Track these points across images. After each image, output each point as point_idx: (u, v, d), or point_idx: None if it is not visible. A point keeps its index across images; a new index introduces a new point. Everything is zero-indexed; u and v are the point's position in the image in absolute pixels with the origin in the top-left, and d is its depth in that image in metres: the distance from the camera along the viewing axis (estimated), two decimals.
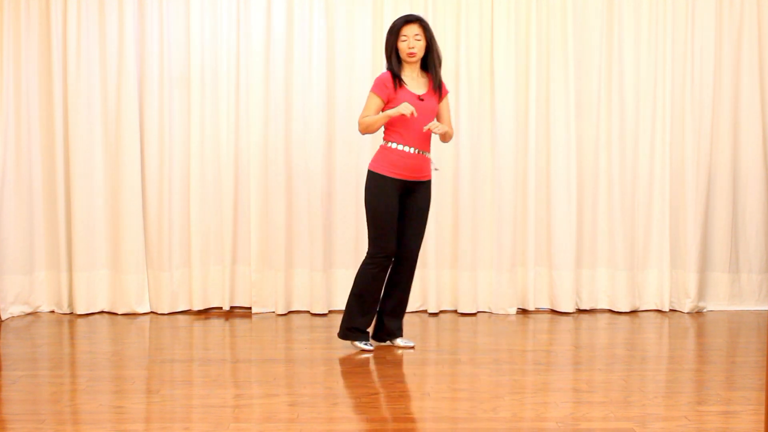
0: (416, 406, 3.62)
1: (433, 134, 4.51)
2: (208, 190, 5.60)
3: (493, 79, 5.58)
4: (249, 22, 5.54)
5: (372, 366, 4.29)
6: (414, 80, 4.51)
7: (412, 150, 4.44)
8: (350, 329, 4.56)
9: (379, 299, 4.59)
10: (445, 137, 4.58)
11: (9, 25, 5.42)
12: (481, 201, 5.62)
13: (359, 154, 5.57)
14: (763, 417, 3.32)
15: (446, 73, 5.60)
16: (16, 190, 5.46)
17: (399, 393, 3.82)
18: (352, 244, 5.60)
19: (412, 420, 3.46)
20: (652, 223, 5.67)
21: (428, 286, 5.59)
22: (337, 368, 4.25)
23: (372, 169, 4.50)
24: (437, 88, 4.53)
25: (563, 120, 5.60)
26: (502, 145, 5.58)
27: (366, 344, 4.56)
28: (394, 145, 4.44)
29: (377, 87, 4.45)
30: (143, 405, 3.63)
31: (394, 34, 4.47)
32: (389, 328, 4.65)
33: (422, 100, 4.45)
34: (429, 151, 4.52)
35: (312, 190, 5.57)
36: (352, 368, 4.24)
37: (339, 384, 3.99)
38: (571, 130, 5.59)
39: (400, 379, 4.06)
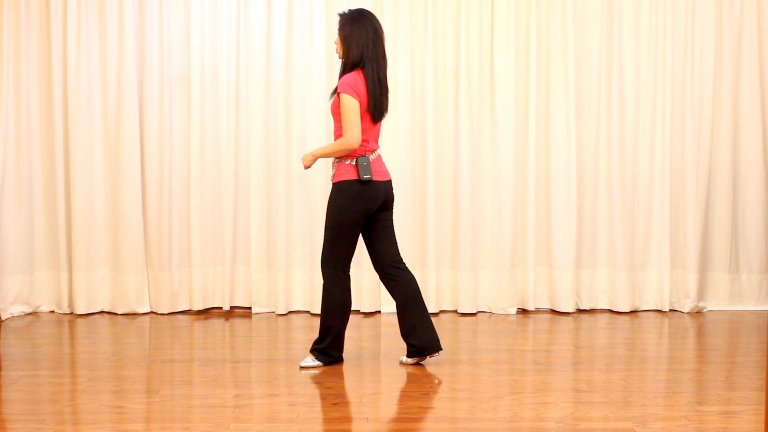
0: (416, 406, 3.62)
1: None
2: (208, 190, 5.60)
3: (493, 79, 5.58)
4: (249, 22, 5.54)
5: (372, 366, 4.29)
6: None
7: None
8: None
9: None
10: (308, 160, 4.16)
11: (9, 25, 5.42)
12: (481, 201, 5.62)
13: None
14: (763, 417, 3.32)
15: (446, 73, 5.61)
16: (16, 190, 5.46)
17: (399, 393, 3.82)
18: None
19: (412, 420, 3.46)
20: (652, 223, 5.67)
21: (428, 286, 5.59)
22: (337, 368, 4.25)
23: None
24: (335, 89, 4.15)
25: (563, 120, 5.60)
26: (502, 145, 5.58)
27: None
28: None
29: None
30: (143, 405, 3.64)
31: None
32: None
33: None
34: (331, 156, 4.16)
35: (312, 190, 5.58)
36: (352, 368, 4.24)
37: (339, 384, 3.99)
38: (571, 130, 5.59)
39: (400, 379, 4.06)
